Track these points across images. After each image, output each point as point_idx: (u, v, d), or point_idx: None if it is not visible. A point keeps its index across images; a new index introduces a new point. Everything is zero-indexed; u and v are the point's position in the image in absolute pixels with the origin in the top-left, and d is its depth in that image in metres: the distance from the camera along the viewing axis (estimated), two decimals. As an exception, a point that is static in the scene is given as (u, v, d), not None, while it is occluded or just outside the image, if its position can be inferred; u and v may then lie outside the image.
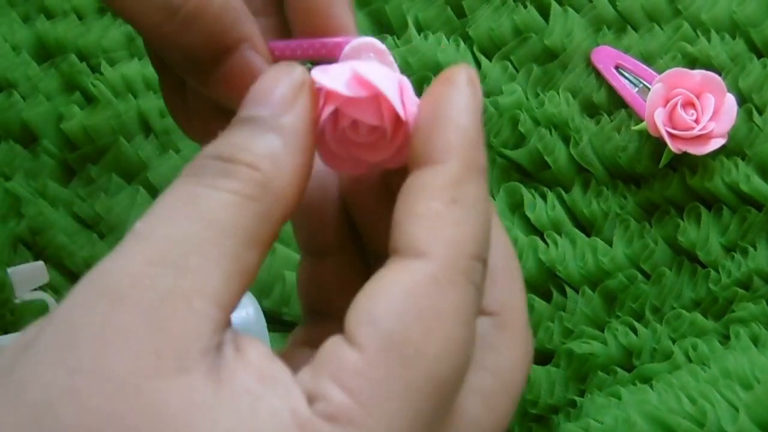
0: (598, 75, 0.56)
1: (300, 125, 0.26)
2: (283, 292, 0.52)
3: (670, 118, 0.52)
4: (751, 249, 0.52)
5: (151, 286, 0.23)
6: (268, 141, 0.26)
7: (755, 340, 0.50)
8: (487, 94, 0.55)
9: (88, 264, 0.53)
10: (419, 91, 0.61)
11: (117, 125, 0.56)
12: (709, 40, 0.55)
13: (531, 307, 0.52)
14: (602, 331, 0.51)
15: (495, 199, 0.54)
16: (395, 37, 0.56)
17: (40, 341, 0.23)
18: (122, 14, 0.31)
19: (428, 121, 0.27)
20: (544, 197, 0.54)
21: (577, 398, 0.50)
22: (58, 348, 0.23)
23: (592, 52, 0.56)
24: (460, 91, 0.27)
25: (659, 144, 0.53)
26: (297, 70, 0.27)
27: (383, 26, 0.58)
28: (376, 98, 0.28)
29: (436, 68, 0.56)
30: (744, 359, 0.48)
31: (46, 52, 0.59)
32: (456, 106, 0.27)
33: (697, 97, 0.52)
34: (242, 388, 0.23)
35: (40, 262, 0.47)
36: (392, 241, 0.25)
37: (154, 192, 0.55)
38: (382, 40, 0.53)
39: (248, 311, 0.50)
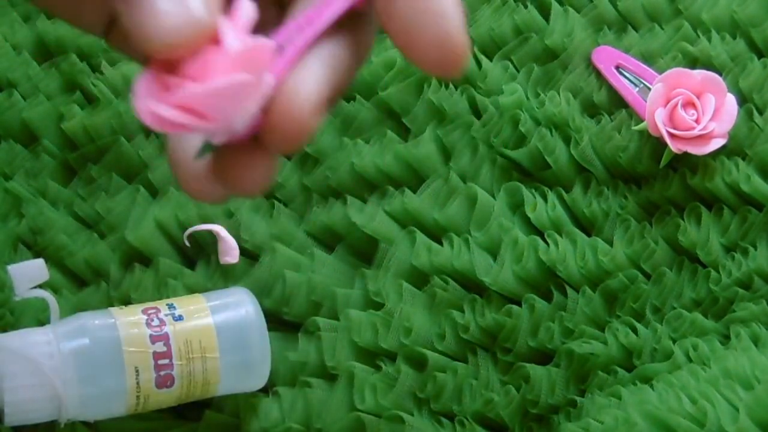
0: (599, 75, 0.56)
1: None
2: (283, 292, 0.52)
3: (671, 118, 0.52)
4: (751, 249, 0.52)
5: None
6: None
7: (756, 340, 0.50)
8: (488, 93, 0.55)
9: (88, 263, 0.53)
10: (420, 91, 0.61)
11: (117, 125, 0.56)
12: (709, 40, 0.55)
13: (531, 307, 0.52)
14: (603, 331, 0.51)
15: (495, 199, 0.54)
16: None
17: None
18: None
19: None
20: (544, 197, 0.54)
21: (577, 398, 0.50)
22: None
23: (593, 52, 0.56)
24: None
25: (660, 144, 0.53)
26: None
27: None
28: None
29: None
30: (744, 359, 0.48)
31: (46, 52, 0.59)
32: None
33: (698, 97, 0.52)
34: None
35: (40, 260, 0.47)
36: None
37: (154, 192, 0.55)
38: (383, 40, 0.53)
39: (248, 310, 0.49)
